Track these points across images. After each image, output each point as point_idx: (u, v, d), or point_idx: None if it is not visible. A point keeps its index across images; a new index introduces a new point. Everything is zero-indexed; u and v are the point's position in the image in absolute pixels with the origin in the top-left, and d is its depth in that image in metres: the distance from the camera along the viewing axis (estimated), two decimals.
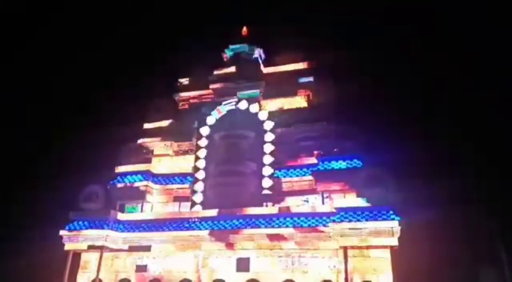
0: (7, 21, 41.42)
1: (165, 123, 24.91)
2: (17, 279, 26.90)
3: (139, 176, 23.01)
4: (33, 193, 31.18)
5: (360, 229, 17.36)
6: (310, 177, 20.50)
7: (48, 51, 44.27)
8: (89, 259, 21.74)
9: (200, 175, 23.05)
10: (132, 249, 21.37)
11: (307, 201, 20.77)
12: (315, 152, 21.20)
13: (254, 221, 19.62)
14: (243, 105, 24.06)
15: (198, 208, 22.13)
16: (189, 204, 22.48)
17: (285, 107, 23.63)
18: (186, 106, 25.92)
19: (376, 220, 17.24)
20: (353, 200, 18.46)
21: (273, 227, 19.12)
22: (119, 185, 22.89)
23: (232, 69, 25.41)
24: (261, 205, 20.92)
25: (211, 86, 25.09)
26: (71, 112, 41.30)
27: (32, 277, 25.47)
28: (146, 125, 25.18)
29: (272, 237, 19.24)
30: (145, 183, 22.57)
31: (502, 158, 25.49)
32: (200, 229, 20.14)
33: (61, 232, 21.02)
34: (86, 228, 20.68)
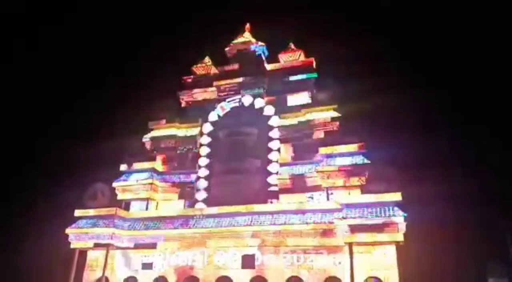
0: (7, 21, 41.54)
1: (169, 121, 24.91)
2: (25, 278, 27.07)
3: (144, 174, 23.09)
4: (39, 192, 31.35)
5: (365, 225, 17.27)
6: (315, 174, 20.43)
7: (48, 51, 44.43)
8: (96, 257, 21.83)
9: (204, 172, 23.05)
10: (138, 246, 21.43)
11: (312, 198, 20.69)
12: (320, 148, 21.13)
13: (259, 218, 19.62)
14: (247, 101, 23.97)
15: (203, 205, 22.15)
16: (194, 201, 22.51)
17: (289, 103, 23.56)
18: (190, 104, 25.88)
19: (381, 216, 17.14)
20: (358, 197, 18.36)
21: (278, 224, 19.12)
22: (124, 183, 22.98)
23: (236, 66, 25.35)
24: (266, 202, 20.91)
25: (215, 83, 25.08)
26: (76, 110, 41.48)
27: (39, 275, 25.62)
28: (150, 124, 25.21)
29: (277, 234, 19.21)
30: (150, 181, 22.61)
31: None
32: (205, 226, 20.17)
33: (67, 230, 21.13)
34: (92, 226, 20.76)
